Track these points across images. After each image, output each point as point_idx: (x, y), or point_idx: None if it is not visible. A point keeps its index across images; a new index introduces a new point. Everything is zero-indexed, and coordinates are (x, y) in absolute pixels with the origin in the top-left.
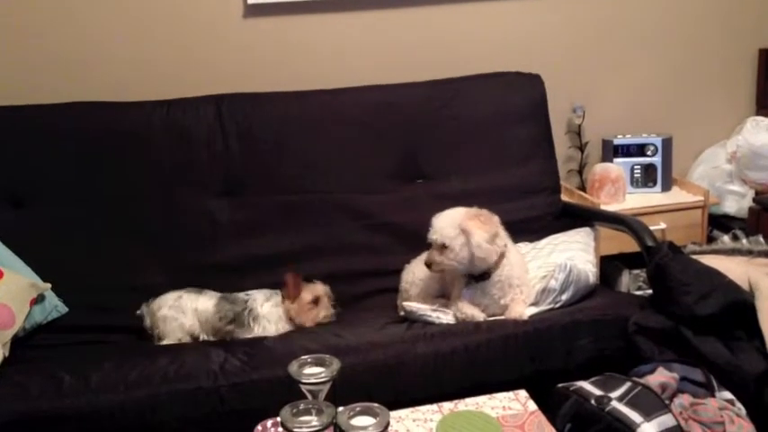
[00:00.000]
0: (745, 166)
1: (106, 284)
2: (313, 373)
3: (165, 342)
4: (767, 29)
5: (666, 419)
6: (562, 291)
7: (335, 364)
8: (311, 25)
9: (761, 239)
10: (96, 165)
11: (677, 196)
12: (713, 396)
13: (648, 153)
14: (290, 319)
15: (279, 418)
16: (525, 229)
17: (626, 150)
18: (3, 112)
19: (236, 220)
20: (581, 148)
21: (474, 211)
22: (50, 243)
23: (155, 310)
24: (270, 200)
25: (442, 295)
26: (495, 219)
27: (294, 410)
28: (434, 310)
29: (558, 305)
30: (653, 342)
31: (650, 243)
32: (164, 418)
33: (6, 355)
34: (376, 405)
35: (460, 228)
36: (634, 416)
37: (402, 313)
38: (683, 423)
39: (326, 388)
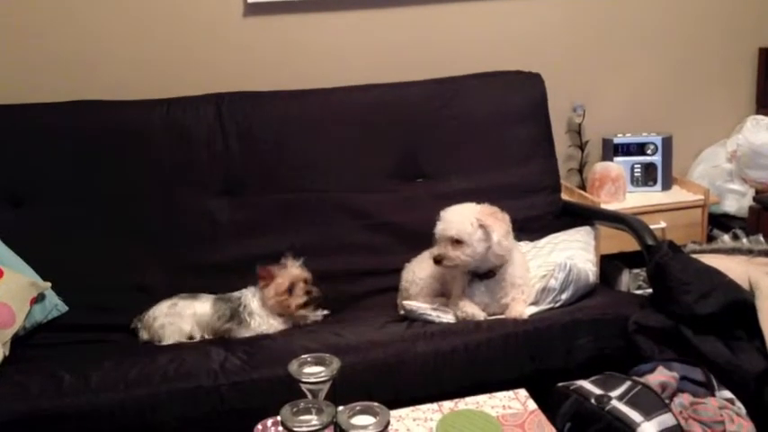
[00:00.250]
0: (746, 165)
1: (106, 284)
2: (313, 372)
3: (164, 343)
4: (767, 28)
5: (666, 419)
6: (562, 290)
7: (335, 364)
8: (311, 24)
9: (761, 239)
10: (96, 164)
11: (677, 195)
12: (713, 395)
13: (649, 152)
14: (280, 315)
15: (279, 417)
16: (525, 227)
17: (626, 149)
18: (3, 112)
19: (236, 219)
20: (581, 147)
21: (488, 207)
22: (50, 242)
23: (150, 322)
24: (270, 199)
25: (442, 294)
26: (507, 216)
27: (294, 409)
28: (434, 309)
29: (557, 304)
30: (653, 341)
31: (650, 242)
32: (164, 418)
33: (7, 354)
34: (376, 404)
35: (479, 223)
36: (634, 415)
37: (402, 312)
38: (683, 422)
39: (327, 387)
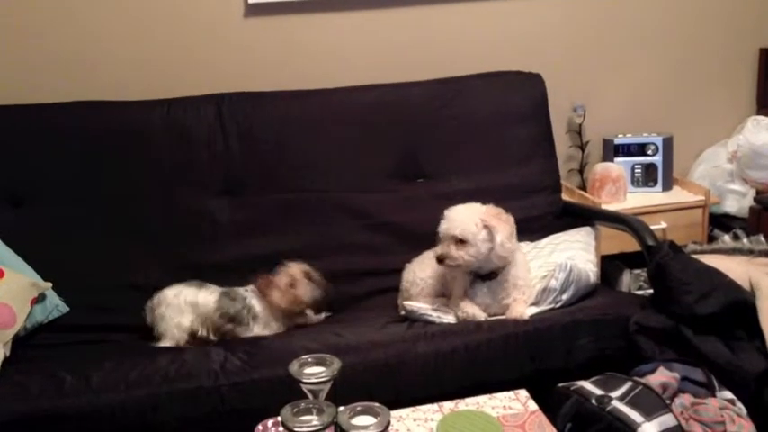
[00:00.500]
0: (746, 166)
1: (107, 284)
2: (314, 372)
3: (162, 344)
4: None
5: (667, 419)
6: (563, 290)
7: (336, 364)
8: (312, 25)
9: (761, 239)
10: (97, 164)
11: (678, 196)
12: (714, 396)
13: (649, 152)
14: (286, 316)
15: (279, 418)
16: (526, 228)
17: (627, 150)
18: (3, 112)
19: (236, 219)
20: (582, 148)
21: (493, 208)
22: (51, 242)
23: (154, 306)
24: (270, 199)
25: (443, 294)
26: (512, 218)
27: (295, 410)
28: (435, 310)
29: (558, 305)
30: (654, 341)
31: (651, 242)
32: (164, 418)
33: (7, 354)
34: (377, 404)
35: (484, 224)
36: (635, 415)
37: (403, 312)
38: (683, 423)
39: (327, 387)
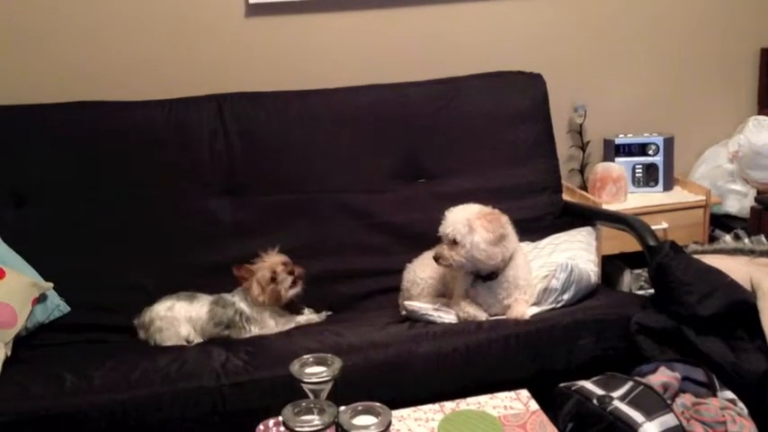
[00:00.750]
0: (747, 166)
1: (108, 284)
2: (315, 372)
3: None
4: None
5: (668, 419)
6: (563, 290)
7: (337, 364)
8: (313, 25)
9: (763, 239)
10: (98, 164)
11: (679, 196)
12: (715, 396)
13: (650, 152)
14: (278, 314)
15: (281, 418)
16: (527, 228)
17: (627, 150)
18: (5, 112)
19: (237, 219)
20: (582, 148)
21: (486, 209)
22: (52, 242)
23: (147, 324)
24: (271, 199)
25: (444, 294)
26: (505, 219)
27: (296, 410)
28: (436, 310)
29: (559, 305)
30: (655, 342)
31: (652, 242)
32: (165, 418)
33: (8, 354)
34: (378, 404)
35: (469, 224)
36: (636, 415)
37: (404, 312)
38: (684, 423)
39: (328, 387)
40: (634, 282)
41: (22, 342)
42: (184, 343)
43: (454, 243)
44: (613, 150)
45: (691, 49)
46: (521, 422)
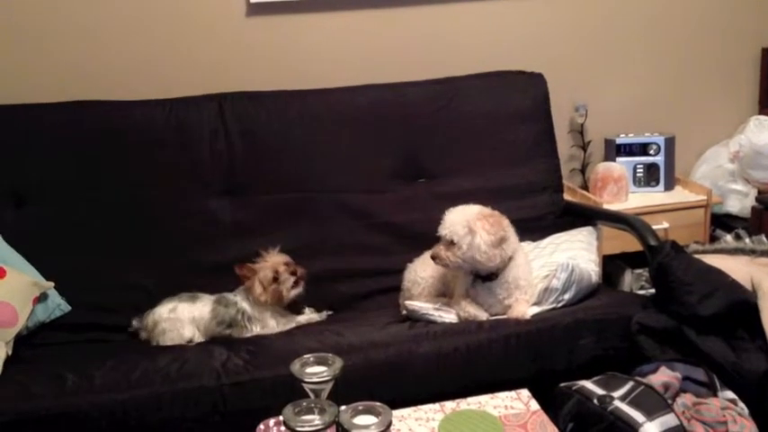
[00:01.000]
0: (748, 166)
1: (108, 283)
2: (315, 372)
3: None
4: None
5: (669, 419)
6: (564, 290)
7: (338, 363)
8: (313, 24)
9: (764, 239)
10: (98, 164)
11: (680, 195)
12: (716, 396)
13: (651, 152)
14: (279, 313)
15: (281, 417)
16: (527, 228)
17: (629, 149)
18: (5, 111)
19: (237, 219)
20: (584, 148)
21: (487, 211)
22: (52, 242)
23: (151, 326)
24: (271, 199)
25: (444, 294)
26: (505, 222)
27: (296, 409)
28: (437, 309)
29: (560, 305)
30: (655, 341)
31: (653, 242)
32: (166, 417)
33: (9, 353)
34: (378, 404)
35: (468, 226)
36: (637, 415)
37: (404, 312)
38: (685, 423)
39: (329, 387)
40: (635, 281)
41: (23, 341)
42: (187, 343)
43: (451, 244)
44: (614, 150)
45: (692, 48)
46: (521, 422)
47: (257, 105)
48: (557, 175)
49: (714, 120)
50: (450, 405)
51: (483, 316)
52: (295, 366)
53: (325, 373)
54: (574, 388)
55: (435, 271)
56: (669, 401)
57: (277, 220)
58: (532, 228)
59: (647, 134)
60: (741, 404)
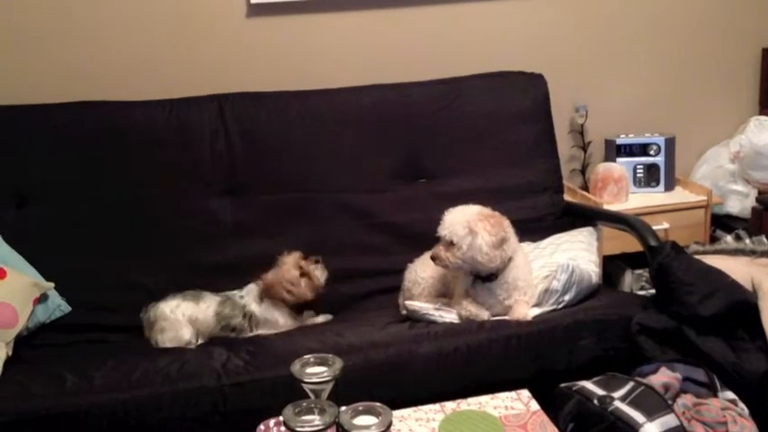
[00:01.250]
0: (748, 166)
1: (109, 283)
2: (315, 372)
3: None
4: None
5: (669, 419)
6: (565, 291)
7: (338, 364)
8: (314, 25)
9: (764, 239)
10: (99, 164)
11: (680, 196)
12: (716, 396)
13: (651, 153)
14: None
15: (281, 418)
16: (528, 228)
17: (629, 150)
18: (7, 112)
19: (237, 219)
20: (584, 148)
21: (487, 212)
22: (53, 242)
23: (151, 321)
24: (272, 199)
25: (444, 294)
26: (506, 222)
27: (297, 410)
28: (437, 309)
29: (560, 305)
30: (656, 342)
31: (653, 243)
32: (166, 417)
33: (9, 354)
34: (378, 404)
35: (469, 227)
36: (637, 416)
37: (404, 312)
38: (685, 423)
39: (329, 387)
40: (635, 282)
41: (23, 342)
42: (185, 346)
43: (451, 244)
44: (614, 150)
45: (692, 49)
46: (521, 422)
47: (258, 106)
48: (557, 175)
49: (714, 120)
50: (450, 405)
51: (484, 315)
52: (295, 367)
53: (325, 374)
54: (574, 388)
55: (435, 271)
56: (669, 402)
57: (278, 220)
58: (532, 228)
59: (647, 134)
60: (741, 404)
